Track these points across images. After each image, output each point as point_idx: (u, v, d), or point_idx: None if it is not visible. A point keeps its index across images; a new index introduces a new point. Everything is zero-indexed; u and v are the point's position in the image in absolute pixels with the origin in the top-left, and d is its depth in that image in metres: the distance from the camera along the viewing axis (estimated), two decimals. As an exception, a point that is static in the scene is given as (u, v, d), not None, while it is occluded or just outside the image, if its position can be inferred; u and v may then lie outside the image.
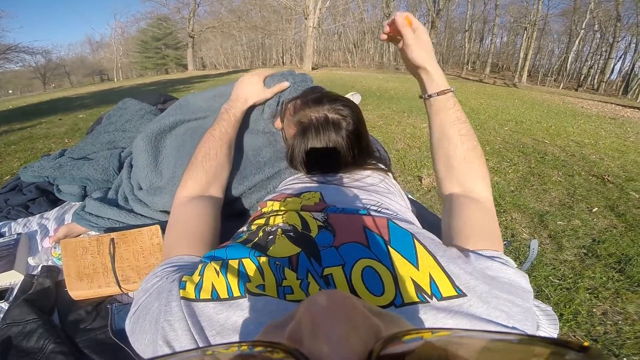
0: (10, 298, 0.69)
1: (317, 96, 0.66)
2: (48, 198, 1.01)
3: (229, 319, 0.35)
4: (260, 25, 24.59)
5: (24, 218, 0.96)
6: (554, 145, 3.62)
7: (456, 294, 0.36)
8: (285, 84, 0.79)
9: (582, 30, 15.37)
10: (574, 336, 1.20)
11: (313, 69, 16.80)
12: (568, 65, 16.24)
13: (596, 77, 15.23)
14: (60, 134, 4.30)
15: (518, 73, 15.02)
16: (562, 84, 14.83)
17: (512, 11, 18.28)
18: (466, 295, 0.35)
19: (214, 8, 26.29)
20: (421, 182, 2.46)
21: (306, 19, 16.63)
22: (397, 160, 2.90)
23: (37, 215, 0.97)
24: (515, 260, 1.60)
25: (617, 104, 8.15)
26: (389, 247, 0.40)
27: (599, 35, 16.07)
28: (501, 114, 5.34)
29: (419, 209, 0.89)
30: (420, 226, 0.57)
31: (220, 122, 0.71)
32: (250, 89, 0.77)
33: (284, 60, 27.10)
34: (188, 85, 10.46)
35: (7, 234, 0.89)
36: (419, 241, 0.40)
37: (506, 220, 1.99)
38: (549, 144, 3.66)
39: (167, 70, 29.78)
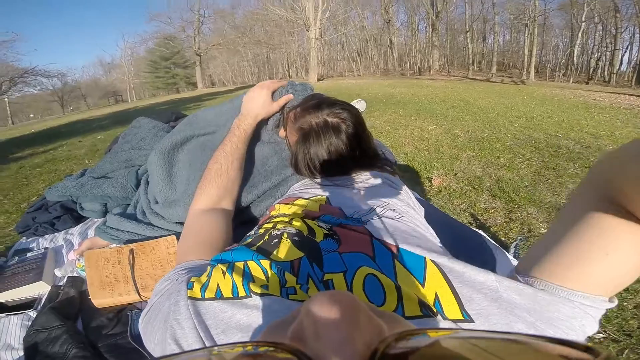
0: (39, 307, 0.74)
1: (316, 102, 0.68)
2: (72, 215, 1.06)
3: (233, 317, 0.36)
4: (264, 40, 25.16)
5: (50, 234, 1.02)
6: (567, 138, 3.53)
7: (462, 318, 0.34)
8: (290, 96, 0.81)
9: (583, 23, 15.11)
10: (605, 331, 1.15)
11: (319, 80, 16.98)
12: (575, 59, 15.90)
13: (606, 69, 14.85)
14: (81, 155, 4.50)
15: (525, 70, 14.82)
16: (571, 78, 14.50)
17: (510, 8, 18.17)
18: (474, 322, 0.33)
19: (218, 25, 27.17)
20: (431, 183, 2.45)
21: (308, 30, 16.94)
22: (406, 164, 2.90)
23: (63, 232, 1.03)
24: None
25: (631, 95, 7.89)
26: (395, 260, 0.39)
27: (601, 27, 15.75)
28: (511, 111, 5.27)
29: (428, 209, 0.90)
30: (427, 225, 0.56)
31: (231, 138, 0.73)
32: (261, 104, 0.78)
33: (290, 73, 27.41)
34: (199, 103, 10.74)
35: (35, 249, 0.94)
36: (431, 259, 0.39)
37: (521, 215, 1.95)
38: (562, 137, 3.58)
39: (178, 89, 30.63)
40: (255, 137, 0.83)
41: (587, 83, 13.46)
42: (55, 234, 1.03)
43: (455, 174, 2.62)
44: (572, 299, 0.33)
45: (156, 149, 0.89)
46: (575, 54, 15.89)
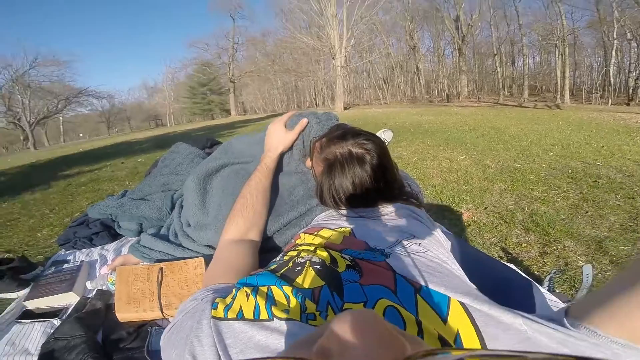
0: (64, 317, 0.77)
1: (341, 132, 0.69)
2: (110, 232, 1.14)
3: (252, 337, 0.37)
4: (292, 68, 26.27)
5: (87, 248, 1.10)
6: (608, 166, 3.29)
7: None
8: (304, 121, 0.84)
9: (615, 41, 14.13)
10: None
11: (345, 108, 17.12)
12: (611, 79, 14.83)
13: (647, 88, 13.72)
14: (122, 177, 4.86)
15: (559, 93, 14.14)
16: (610, 100, 13.53)
17: (537, 29, 17.50)
18: None
19: (250, 52, 28.94)
20: (460, 216, 2.36)
21: (333, 58, 17.50)
22: (433, 197, 2.80)
23: (99, 247, 1.11)
24: (570, 289, 1.44)
25: (682, 119, 7.27)
26: (417, 295, 0.39)
27: (635, 44, 14.69)
28: (545, 139, 5.03)
29: (455, 242, 0.87)
30: (454, 260, 0.54)
31: (256, 173, 0.78)
32: (277, 137, 0.83)
33: (317, 102, 27.74)
34: (231, 130, 11.27)
35: (72, 261, 1.02)
36: (456, 299, 0.39)
37: (557, 249, 1.82)
38: (602, 166, 3.34)
39: (213, 115, 32.40)
40: (282, 167, 0.86)
41: (628, 104, 12.46)
42: (92, 248, 1.10)
43: (486, 208, 2.50)
44: (610, 346, 0.31)
45: (192, 174, 0.95)
46: (611, 74, 14.82)
